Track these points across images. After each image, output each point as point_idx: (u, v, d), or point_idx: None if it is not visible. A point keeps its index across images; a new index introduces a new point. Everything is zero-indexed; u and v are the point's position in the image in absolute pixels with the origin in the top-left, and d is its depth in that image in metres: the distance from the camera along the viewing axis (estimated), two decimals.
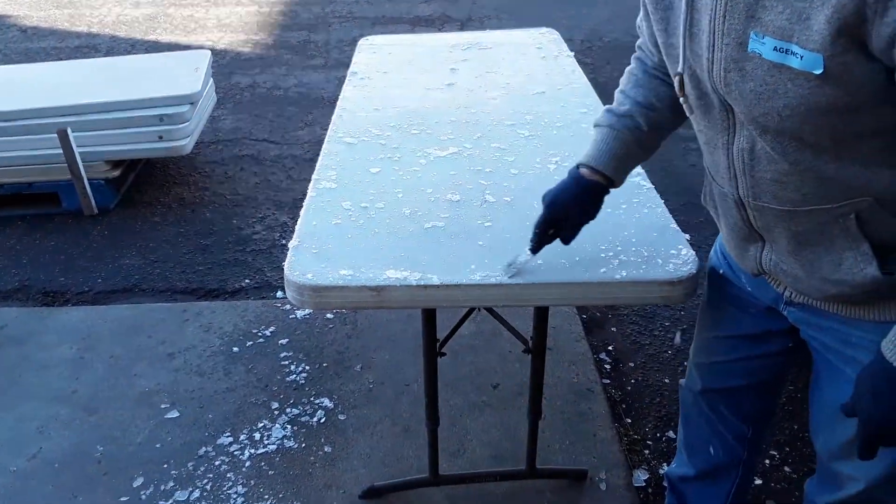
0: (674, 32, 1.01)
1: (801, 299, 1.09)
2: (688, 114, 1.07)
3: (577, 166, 1.23)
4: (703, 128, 1.04)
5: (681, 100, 1.04)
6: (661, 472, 1.84)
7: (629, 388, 2.13)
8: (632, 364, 2.22)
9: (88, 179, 3.10)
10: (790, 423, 1.97)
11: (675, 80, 1.02)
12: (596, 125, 1.25)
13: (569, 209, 1.21)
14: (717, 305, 1.30)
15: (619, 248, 1.29)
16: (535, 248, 1.23)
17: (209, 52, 3.58)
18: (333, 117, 1.84)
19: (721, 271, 1.27)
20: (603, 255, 1.27)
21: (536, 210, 1.22)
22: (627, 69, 1.29)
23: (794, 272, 1.04)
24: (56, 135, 2.94)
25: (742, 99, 0.90)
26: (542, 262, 1.24)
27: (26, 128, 3.02)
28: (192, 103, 3.15)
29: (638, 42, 1.29)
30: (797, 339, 1.18)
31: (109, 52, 5.25)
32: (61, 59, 5.04)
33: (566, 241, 1.23)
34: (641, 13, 1.18)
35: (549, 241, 1.24)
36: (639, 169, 1.53)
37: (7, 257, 2.89)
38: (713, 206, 1.16)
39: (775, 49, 0.83)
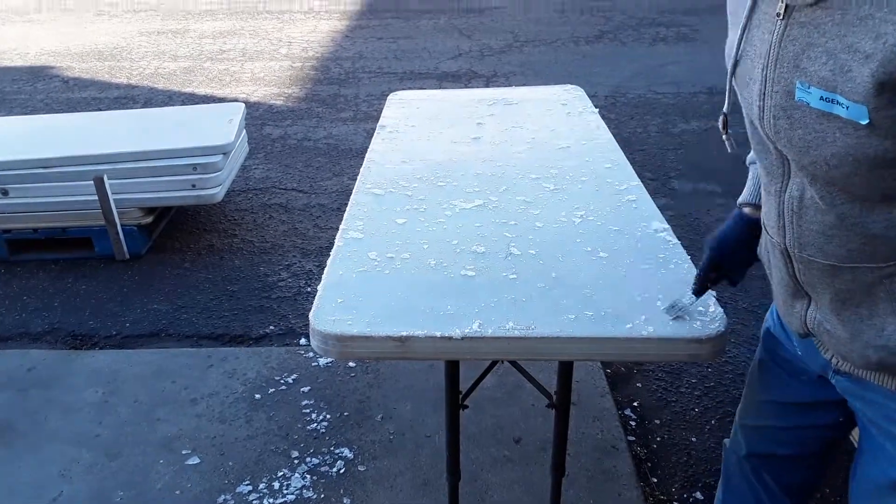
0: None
1: (846, 367, 1.05)
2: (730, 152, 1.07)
3: (739, 206, 1.26)
4: (762, 173, 1.04)
5: (723, 137, 1.05)
6: None
7: (655, 445, 2.08)
8: (658, 421, 2.18)
9: (121, 225, 3.17)
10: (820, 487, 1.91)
11: (721, 119, 1.04)
12: (748, 163, 1.27)
13: (735, 249, 1.23)
14: (769, 368, 1.27)
15: (645, 304, 1.28)
16: (699, 292, 1.24)
17: (243, 104, 3.69)
18: (362, 169, 1.88)
19: (774, 333, 1.24)
20: (629, 310, 1.26)
21: (564, 262, 1.22)
22: None
23: (837, 334, 1.01)
24: (92, 182, 3.03)
25: (791, 146, 0.90)
26: (571, 317, 1.24)
27: (64, 174, 3.12)
28: (224, 153, 3.23)
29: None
30: (847, 412, 1.14)
31: (147, 103, 5.44)
32: (101, 109, 5.23)
33: (734, 283, 1.25)
34: None
35: (714, 285, 1.25)
36: (664, 224, 1.53)
37: (39, 300, 2.95)
38: (766, 259, 1.15)
39: (822, 99, 0.83)
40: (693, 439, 2.10)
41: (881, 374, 1.00)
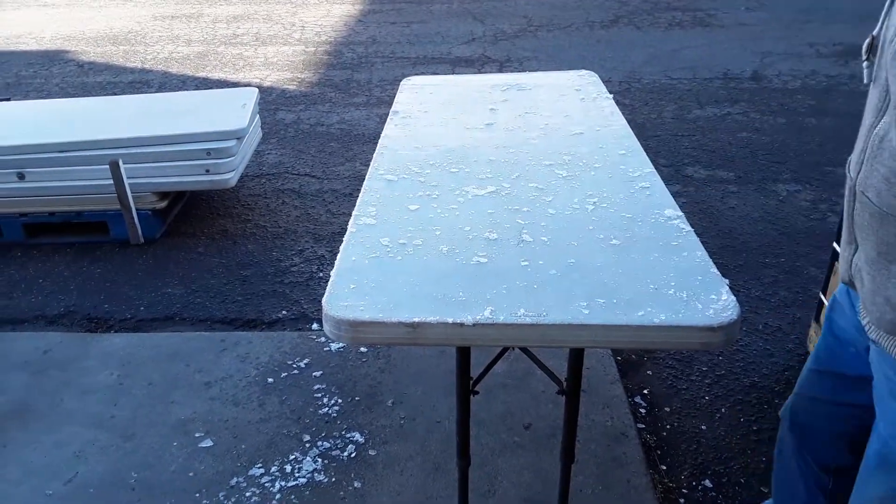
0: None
1: (871, 332, 1.07)
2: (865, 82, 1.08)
3: None
4: (866, 109, 1.05)
5: (864, 63, 1.05)
6: None
7: (665, 433, 2.08)
8: (668, 409, 2.18)
9: (136, 210, 3.20)
10: None
11: (866, 43, 1.04)
12: None
13: None
14: (825, 335, 1.31)
15: (657, 292, 1.28)
16: None
17: (256, 89, 3.69)
18: (375, 154, 1.88)
19: (839, 298, 1.27)
20: (641, 298, 1.26)
21: (576, 249, 1.22)
22: None
23: (867, 285, 1.03)
24: (108, 166, 3.06)
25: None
26: (583, 304, 1.24)
27: (79, 158, 3.14)
28: (238, 138, 3.24)
29: None
30: None
31: (161, 88, 5.45)
32: (115, 94, 5.25)
33: None
34: None
35: None
36: (677, 211, 1.53)
37: (55, 283, 2.99)
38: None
39: None
40: (703, 427, 2.10)
41: (892, 338, 1.02)
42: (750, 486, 1.89)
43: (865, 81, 1.06)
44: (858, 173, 1.02)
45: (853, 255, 1.07)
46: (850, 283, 1.12)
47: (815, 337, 2.33)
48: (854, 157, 1.05)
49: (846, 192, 1.10)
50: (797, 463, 1.36)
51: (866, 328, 1.08)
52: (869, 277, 1.01)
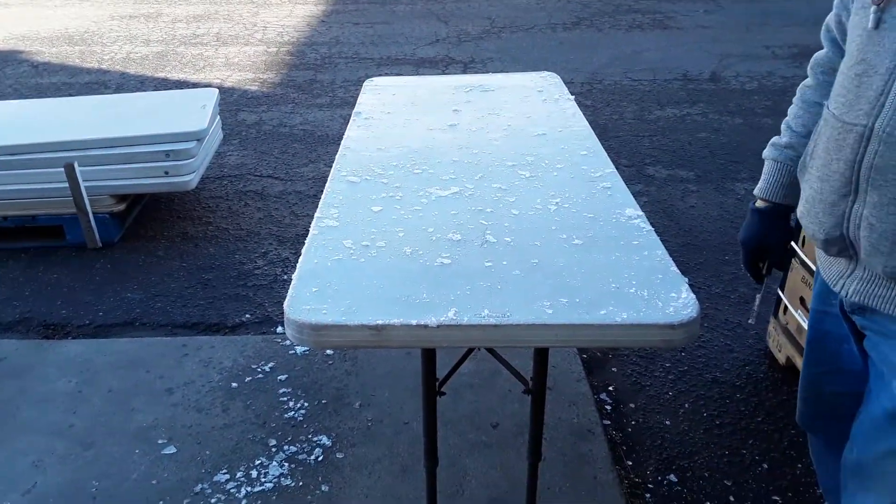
0: None
1: (859, 294, 1.11)
2: (858, 34, 1.07)
3: (753, 199, 1.38)
4: (868, 54, 1.04)
5: (872, 9, 1.04)
6: None
7: (630, 429, 2.11)
8: (632, 405, 2.21)
9: (93, 213, 3.12)
10: (791, 468, 1.96)
11: None
12: (764, 157, 1.39)
13: (762, 238, 1.35)
14: (812, 339, 1.37)
15: (619, 291, 1.29)
16: (759, 281, 1.40)
17: (217, 90, 3.64)
18: (337, 156, 1.87)
19: (818, 289, 1.32)
20: (604, 297, 1.27)
21: (539, 250, 1.23)
22: (795, 98, 1.40)
23: (880, 228, 1.03)
24: (63, 169, 2.98)
25: None
26: (546, 304, 1.25)
27: (33, 161, 3.06)
28: (198, 140, 3.19)
29: (815, 56, 1.35)
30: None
31: (119, 89, 5.34)
32: (71, 95, 5.13)
33: (781, 267, 1.35)
34: None
35: (769, 273, 1.40)
36: (638, 211, 1.55)
37: (10, 289, 2.90)
38: (809, 166, 1.18)
39: None
40: (667, 422, 2.13)
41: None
42: (714, 479, 1.93)
43: (870, 27, 1.05)
44: (876, 118, 1.00)
45: (851, 207, 1.07)
46: (834, 241, 1.12)
47: (773, 332, 2.39)
48: (860, 105, 1.04)
49: (840, 145, 1.07)
50: (834, 456, 1.40)
51: (851, 297, 1.13)
52: (894, 219, 1.00)
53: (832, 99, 1.13)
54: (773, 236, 1.38)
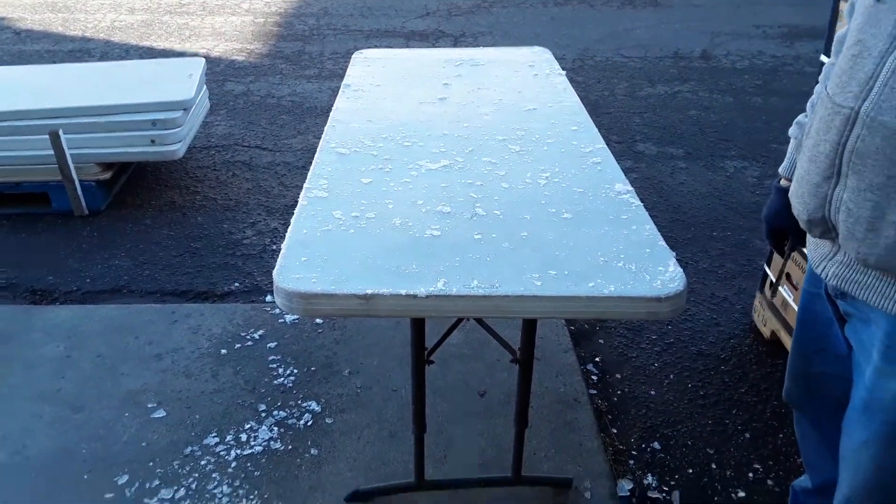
0: None
1: (837, 278, 1.14)
2: (861, 11, 1.07)
3: (778, 179, 1.40)
4: (865, 34, 1.04)
5: None
6: (646, 482, 1.87)
7: (615, 399, 2.15)
8: (618, 376, 2.25)
9: (80, 181, 3.10)
10: (773, 437, 2.01)
11: None
12: (789, 135, 1.39)
13: (784, 216, 1.34)
14: (801, 319, 1.39)
15: (607, 264, 1.31)
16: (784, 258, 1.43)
17: (203, 59, 3.60)
18: (326, 127, 1.86)
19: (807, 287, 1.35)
20: (591, 270, 1.29)
21: (528, 223, 1.24)
22: (821, 75, 1.37)
23: (858, 213, 1.03)
24: (48, 136, 2.95)
25: None
26: (535, 276, 1.26)
27: (17, 128, 3.02)
28: (185, 109, 3.16)
29: (828, 62, 1.34)
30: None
31: (103, 58, 5.26)
32: (55, 62, 5.04)
33: (804, 244, 1.35)
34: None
35: (793, 250, 1.42)
36: (627, 186, 1.56)
37: None
38: (803, 145, 1.19)
39: None
40: (652, 393, 2.18)
41: (872, 275, 1.08)
42: (696, 447, 1.98)
43: (856, 16, 1.07)
44: (864, 101, 1.00)
45: (833, 190, 1.07)
46: (817, 223, 1.13)
47: (759, 307, 2.43)
48: (850, 87, 1.03)
49: (828, 126, 1.07)
50: (818, 434, 1.45)
51: (835, 281, 1.14)
52: (870, 204, 1.01)
53: (831, 78, 1.12)
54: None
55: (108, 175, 3.21)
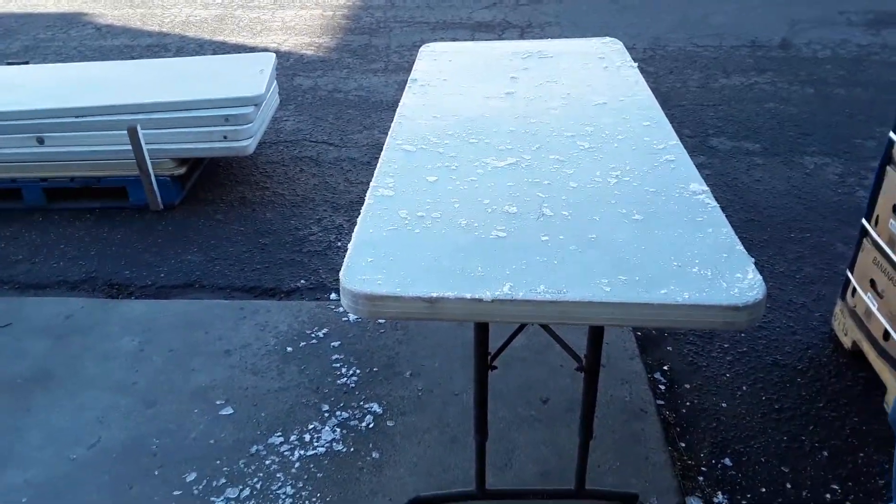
0: None
1: None
2: None
3: None
4: None
5: None
6: (716, 500, 1.78)
7: (684, 410, 2.07)
8: (688, 386, 2.16)
9: (155, 176, 3.20)
10: (853, 457, 1.89)
11: None
12: None
13: None
14: None
15: (680, 270, 1.25)
16: None
17: (274, 55, 3.65)
18: (393, 124, 1.85)
19: None
20: (664, 275, 1.23)
21: (598, 224, 1.19)
22: None
23: None
24: (126, 132, 3.05)
25: None
26: (604, 281, 1.21)
27: (98, 124, 3.14)
28: (256, 105, 3.21)
29: None
30: None
31: (178, 52, 5.42)
32: (133, 57, 5.22)
33: None
34: None
35: None
36: (703, 186, 1.49)
37: (76, 248, 3.01)
38: None
39: None
40: (723, 405, 2.08)
41: None
42: (770, 465, 1.88)
43: None
44: None
45: None
46: None
47: (840, 315, 2.29)
48: None
49: None
50: None
51: None
52: None
53: None
54: None
55: (182, 170, 3.29)
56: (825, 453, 1.91)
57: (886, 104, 4.07)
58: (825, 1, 6.05)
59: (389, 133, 1.80)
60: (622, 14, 5.97)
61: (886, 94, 4.18)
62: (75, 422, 2.07)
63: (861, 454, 1.90)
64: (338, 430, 2.00)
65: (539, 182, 1.55)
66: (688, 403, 2.09)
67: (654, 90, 2.03)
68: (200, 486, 1.84)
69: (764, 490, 1.81)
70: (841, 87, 4.30)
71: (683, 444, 1.95)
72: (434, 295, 1.21)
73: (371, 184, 1.56)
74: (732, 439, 1.96)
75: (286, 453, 1.93)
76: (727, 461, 1.90)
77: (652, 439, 1.92)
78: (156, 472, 1.89)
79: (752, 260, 1.27)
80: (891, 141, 2.04)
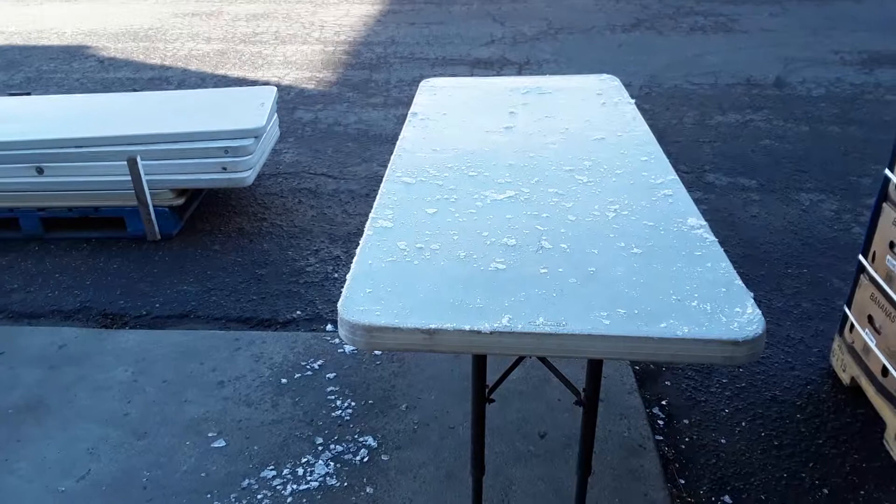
0: None
1: None
2: None
3: None
4: None
5: None
6: None
7: (683, 446, 2.05)
8: (686, 421, 2.14)
9: (154, 206, 3.20)
10: (854, 494, 1.86)
11: None
12: None
13: None
14: None
15: (679, 304, 1.25)
16: None
17: (275, 88, 3.69)
18: (392, 156, 1.86)
19: None
20: (663, 309, 1.23)
21: (596, 258, 1.19)
22: None
23: None
24: (125, 162, 3.06)
25: None
26: (603, 314, 1.21)
27: (98, 154, 3.15)
28: (256, 137, 3.23)
29: None
30: None
31: (180, 85, 5.47)
32: (135, 90, 5.28)
33: None
34: None
35: None
36: (701, 221, 1.49)
37: (72, 278, 2.99)
38: None
39: None
40: (723, 441, 2.06)
41: None
42: (770, 502, 1.85)
43: None
44: None
45: None
46: None
47: (838, 350, 2.28)
48: None
49: None
50: None
51: None
52: None
53: None
54: None
55: (181, 201, 3.30)
56: (825, 490, 1.89)
57: (880, 142, 4.12)
58: (819, 41, 6.16)
59: (389, 165, 1.81)
60: (619, 52, 6.06)
61: (880, 133, 4.23)
62: (66, 453, 2.03)
63: (861, 492, 1.87)
64: (331, 463, 1.97)
65: (538, 215, 1.56)
66: (687, 439, 2.07)
67: (650, 126, 2.05)
68: None
69: None
70: (835, 125, 4.36)
71: (683, 481, 1.93)
72: (433, 326, 1.21)
73: (370, 215, 1.57)
74: (732, 476, 1.94)
75: (278, 487, 1.90)
76: (727, 498, 1.87)
77: (651, 476, 1.90)
78: None
79: (752, 294, 1.27)
80: (886, 179, 2.06)
